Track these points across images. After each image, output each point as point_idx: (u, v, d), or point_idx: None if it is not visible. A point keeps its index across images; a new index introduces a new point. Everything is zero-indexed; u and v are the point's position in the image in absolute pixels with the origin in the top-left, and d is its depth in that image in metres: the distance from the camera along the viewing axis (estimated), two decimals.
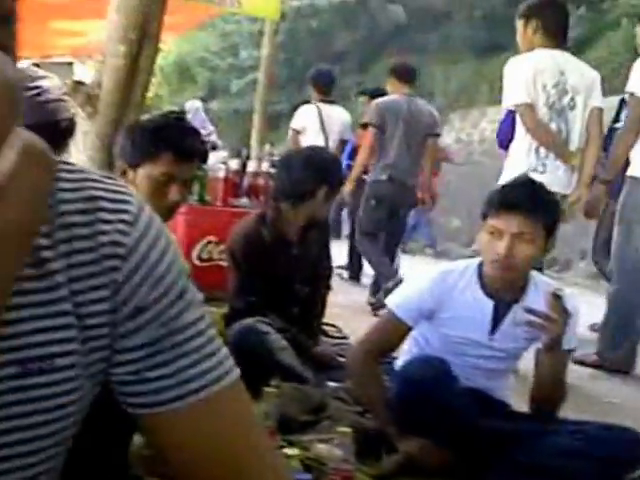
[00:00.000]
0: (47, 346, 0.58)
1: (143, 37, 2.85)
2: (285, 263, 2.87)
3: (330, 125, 5.33)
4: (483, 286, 2.23)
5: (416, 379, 2.08)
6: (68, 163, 0.64)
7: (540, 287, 2.22)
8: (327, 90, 5.41)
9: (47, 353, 0.58)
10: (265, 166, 4.56)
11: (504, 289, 2.21)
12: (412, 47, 11.29)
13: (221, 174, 4.16)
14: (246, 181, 4.28)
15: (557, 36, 3.22)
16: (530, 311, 2.09)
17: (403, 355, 2.44)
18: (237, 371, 0.68)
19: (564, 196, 3.25)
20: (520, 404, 2.33)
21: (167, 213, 2.00)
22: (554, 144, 3.21)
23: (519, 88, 3.19)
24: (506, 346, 2.26)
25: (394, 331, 2.28)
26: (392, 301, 2.31)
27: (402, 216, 5.06)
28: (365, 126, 5.05)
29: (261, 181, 4.29)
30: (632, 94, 3.46)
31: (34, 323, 0.58)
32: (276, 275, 2.83)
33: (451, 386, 2.12)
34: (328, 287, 3.19)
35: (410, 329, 2.28)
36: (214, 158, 4.18)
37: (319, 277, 3.07)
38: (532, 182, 2.28)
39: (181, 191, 2.01)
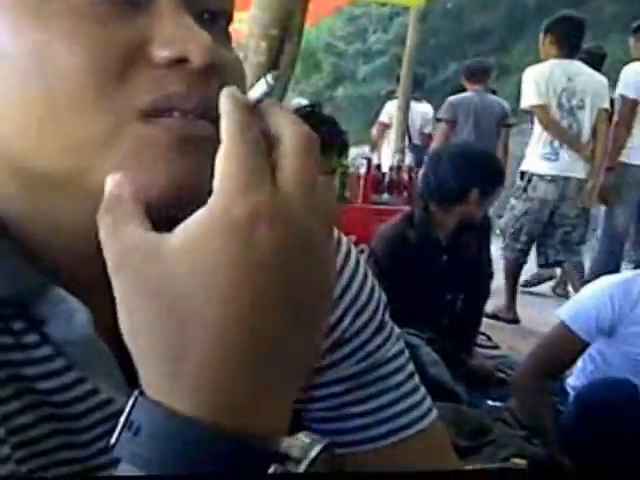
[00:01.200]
0: None
1: (284, 33, 2.83)
2: (434, 269, 2.70)
3: (413, 120, 5.94)
4: None
5: (602, 405, 1.89)
6: None
7: None
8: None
9: None
10: (408, 159, 4.44)
11: None
12: None
13: (362, 170, 4.06)
14: (388, 176, 4.17)
15: (568, 48, 3.98)
16: None
17: (576, 374, 2.26)
18: (436, 412, 0.66)
19: (579, 180, 4.09)
20: None
21: None
22: (566, 137, 3.99)
23: (533, 92, 4.02)
24: None
25: (567, 347, 2.10)
26: (565, 312, 2.14)
27: None
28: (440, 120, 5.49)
29: (404, 176, 4.15)
30: (622, 95, 4.15)
31: None
32: (424, 282, 2.69)
33: None
34: (486, 296, 2.98)
35: (586, 345, 2.09)
36: (356, 152, 4.09)
37: (475, 285, 2.86)
38: None
39: None
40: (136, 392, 0.38)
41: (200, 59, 0.44)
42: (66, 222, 0.47)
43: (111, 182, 0.41)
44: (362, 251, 3.54)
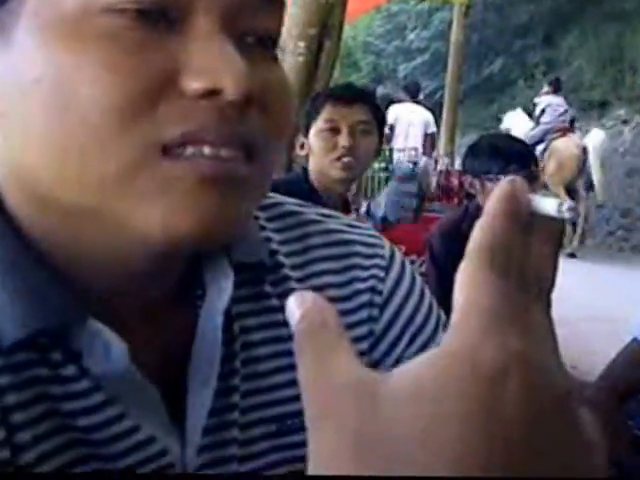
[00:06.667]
0: None
1: (323, 33, 2.83)
2: None
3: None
4: None
5: None
6: (302, 205, 0.63)
7: None
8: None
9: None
10: (458, 163, 4.34)
11: None
12: (609, 14, 10.53)
13: None
14: (435, 181, 4.06)
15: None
16: None
17: None
18: None
19: None
20: None
21: (342, 171, 2.17)
22: None
23: None
24: None
25: None
26: (638, 327, 2.03)
27: None
28: None
29: (454, 181, 4.03)
30: None
31: (291, 374, 0.55)
32: None
33: None
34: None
35: None
36: (401, 156, 4.00)
37: None
38: None
39: (349, 138, 2.16)
40: None
41: (234, 91, 0.42)
42: (94, 253, 0.47)
43: (303, 303, 0.32)
44: (412, 262, 3.47)
